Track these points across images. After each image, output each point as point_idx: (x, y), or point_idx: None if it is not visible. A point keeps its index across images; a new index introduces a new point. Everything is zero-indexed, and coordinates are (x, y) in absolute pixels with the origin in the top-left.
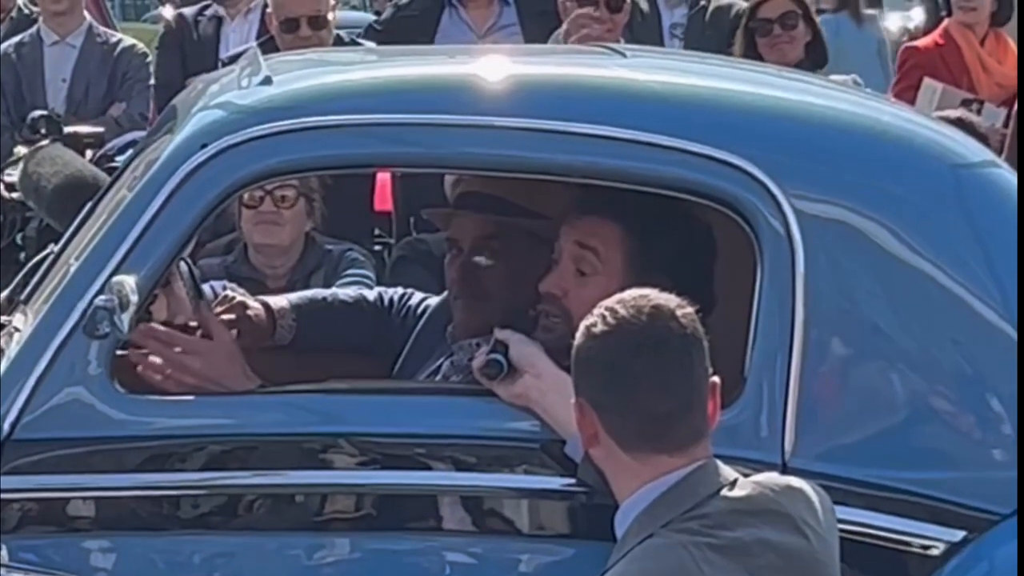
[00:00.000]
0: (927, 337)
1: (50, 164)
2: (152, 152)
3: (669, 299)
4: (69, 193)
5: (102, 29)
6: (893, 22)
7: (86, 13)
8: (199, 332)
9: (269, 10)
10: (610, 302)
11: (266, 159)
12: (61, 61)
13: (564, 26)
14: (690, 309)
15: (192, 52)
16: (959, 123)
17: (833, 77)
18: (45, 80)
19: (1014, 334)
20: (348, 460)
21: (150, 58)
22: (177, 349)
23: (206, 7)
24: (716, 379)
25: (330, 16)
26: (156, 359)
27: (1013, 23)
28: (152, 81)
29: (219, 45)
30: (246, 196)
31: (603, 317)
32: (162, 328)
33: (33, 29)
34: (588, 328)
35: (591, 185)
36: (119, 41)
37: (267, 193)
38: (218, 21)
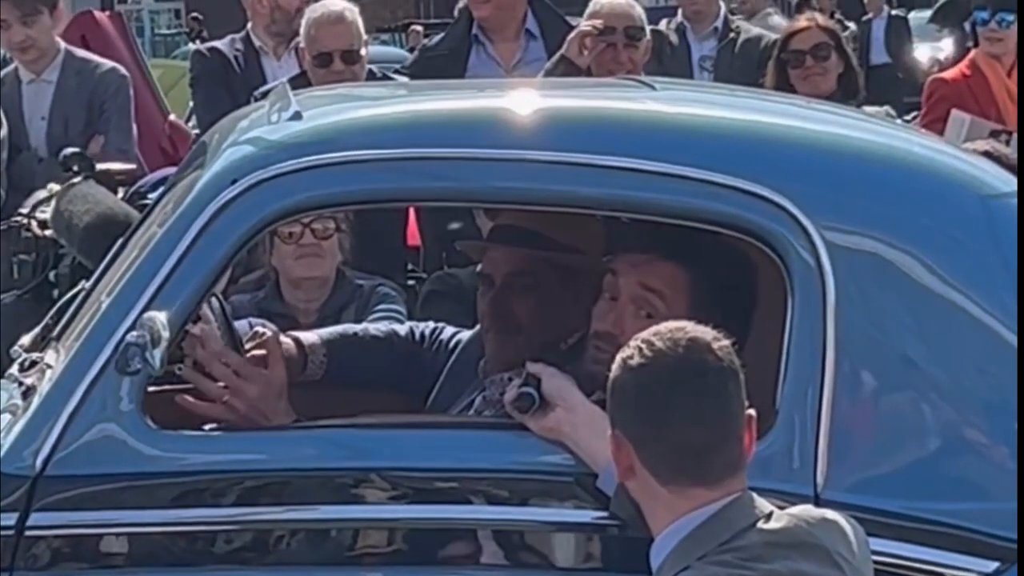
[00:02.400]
0: (958, 368)
1: (82, 202)
2: (183, 188)
3: (705, 331)
4: (101, 230)
5: (80, 55)
6: (923, 54)
7: (62, 43)
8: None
9: (302, 45)
10: (646, 334)
11: (296, 194)
12: (39, 99)
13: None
14: (726, 341)
15: (238, 86)
16: (987, 156)
17: (866, 109)
18: (25, 120)
19: None
20: (380, 495)
21: (129, 79)
22: (240, 374)
23: (234, 39)
24: (752, 412)
25: (363, 51)
26: (214, 383)
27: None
28: (193, 120)
29: (265, 78)
30: (283, 231)
31: (639, 350)
32: (233, 353)
33: (11, 67)
34: (624, 361)
35: (654, 226)
36: (96, 67)
37: (305, 227)
38: (256, 54)
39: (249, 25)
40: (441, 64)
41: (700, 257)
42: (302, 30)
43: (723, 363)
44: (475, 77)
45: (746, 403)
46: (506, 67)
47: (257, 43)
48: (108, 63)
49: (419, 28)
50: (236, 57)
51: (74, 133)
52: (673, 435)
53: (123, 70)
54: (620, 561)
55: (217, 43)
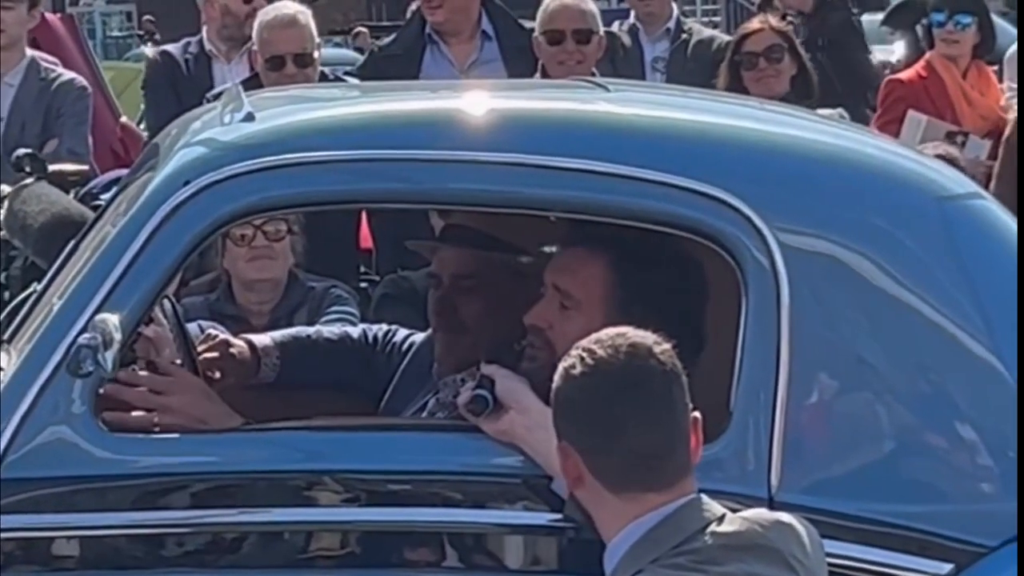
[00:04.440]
0: (913, 370)
1: (36, 202)
2: (135, 189)
3: (646, 336)
4: (56, 231)
5: (45, 64)
6: (875, 56)
7: (30, 51)
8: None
9: (254, 48)
10: (587, 342)
11: (249, 196)
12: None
13: None
14: (667, 345)
15: (186, 90)
16: (939, 159)
17: (820, 111)
18: None
19: (1000, 366)
20: (333, 497)
21: (89, 91)
22: (156, 390)
23: (188, 43)
24: (697, 414)
25: (316, 54)
26: (138, 405)
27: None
28: (143, 123)
29: (213, 82)
30: (235, 233)
31: (581, 359)
32: (136, 373)
33: None
34: (566, 370)
35: (576, 220)
36: (58, 76)
37: (257, 228)
38: (207, 59)
39: (204, 29)
40: (395, 65)
41: (628, 254)
42: (254, 33)
43: (666, 367)
44: (429, 77)
45: (690, 405)
46: (460, 68)
47: (208, 47)
48: (70, 73)
49: (364, 30)
50: (187, 61)
51: (30, 136)
52: (622, 443)
53: (84, 81)
54: (575, 563)
55: (169, 47)
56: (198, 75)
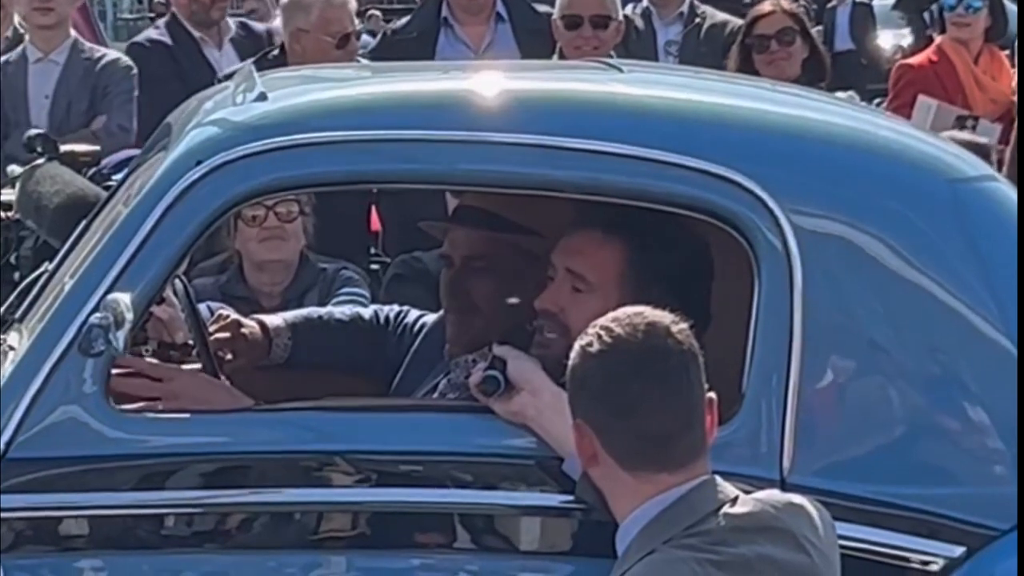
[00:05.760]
0: (925, 352)
1: (50, 183)
2: (147, 169)
3: (664, 316)
4: (71, 212)
5: (88, 45)
6: (886, 40)
7: (73, 31)
8: (194, 352)
9: (297, 27)
10: (605, 320)
11: (261, 176)
12: (44, 78)
13: None
14: (685, 325)
15: (191, 78)
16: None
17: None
18: (28, 98)
19: (1012, 348)
20: (344, 478)
21: (135, 71)
22: (156, 377)
23: (170, 26)
24: (712, 395)
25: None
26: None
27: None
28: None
29: (212, 68)
30: (246, 214)
31: (599, 336)
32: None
33: (20, 48)
34: (584, 348)
35: (588, 201)
36: (103, 56)
37: (269, 209)
38: (195, 43)
39: (171, 12)
40: (409, 47)
41: (640, 235)
42: (291, 12)
43: (683, 347)
44: (444, 60)
45: (706, 386)
46: (476, 50)
47: (198, 34)
48: (115, 53)
49: (377, 13)
50: (179, 48)
51: (76, 113)
52: (638, 422)
53: (127, 60)
54: (586, 545)
55: (152, 34)
56: (197, 61)
